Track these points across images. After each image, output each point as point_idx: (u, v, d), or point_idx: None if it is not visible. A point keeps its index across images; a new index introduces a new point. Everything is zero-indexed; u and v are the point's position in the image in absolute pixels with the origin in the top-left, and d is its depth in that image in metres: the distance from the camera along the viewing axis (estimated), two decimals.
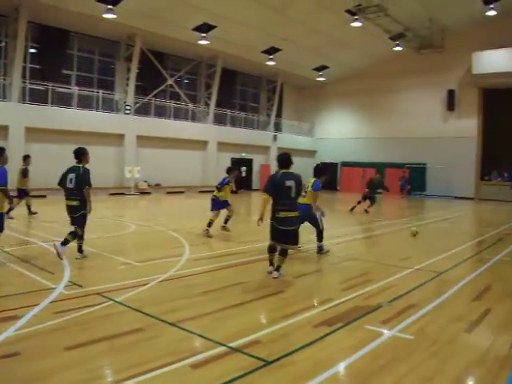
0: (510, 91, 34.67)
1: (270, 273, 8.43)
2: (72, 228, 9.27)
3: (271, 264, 8.60)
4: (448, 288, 7.93)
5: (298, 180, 8.33)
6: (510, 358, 5.06)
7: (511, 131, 35.48)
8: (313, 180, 11.03)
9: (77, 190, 9.11)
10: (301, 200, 9.89)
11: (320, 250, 11.01)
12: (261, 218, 8.38)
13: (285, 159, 8.57)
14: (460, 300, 7.32)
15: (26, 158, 16.05)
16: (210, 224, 13.13)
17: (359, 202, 21.50)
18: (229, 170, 14.04)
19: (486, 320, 6.33)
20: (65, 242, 8.97)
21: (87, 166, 9.36)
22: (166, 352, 4.90)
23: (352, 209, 21.43)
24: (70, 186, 9.15)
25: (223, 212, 13.67)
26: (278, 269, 8.37)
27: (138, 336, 5.35)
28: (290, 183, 8.21)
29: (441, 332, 5.77)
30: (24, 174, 15.65)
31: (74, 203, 9.14)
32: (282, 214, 8.22)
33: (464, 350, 5.30)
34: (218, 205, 13.50)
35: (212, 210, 13.47)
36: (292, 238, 8.42)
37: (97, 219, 15.98)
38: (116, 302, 6.57)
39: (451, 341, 5.51)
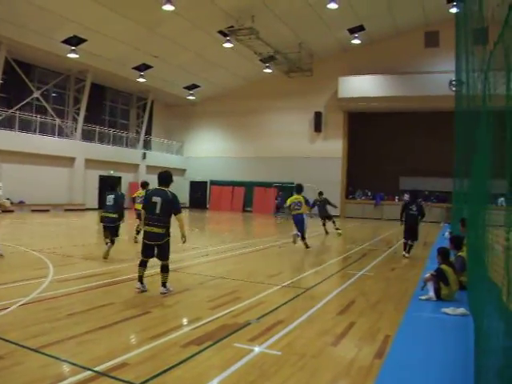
0: (373, 114, 36.94)
1: (140, 290, 8.57)
2: None
3: (140, 280, 8.66)
4: (315, 303, 8.15)
5: (165, 197, 8.47)
6: (373, 367, 5.28)
7: (374, 152, 37.65)
8: (301, 197, 15.83)
9: None
10: (295, 212, 15.65)
11: (303, 240, 15.66)
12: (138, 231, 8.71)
13: (161, 176, 8.82)
14: (326, 314, 7.53)
15: None
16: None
17: (324, 225, 21.74)
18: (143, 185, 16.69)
19: (351, 333, 6.57)
20: None
21: None
22: (29, 380, 4.62)
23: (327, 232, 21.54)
24: None
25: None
26: (163, 285, 8.58)
27: None
28: (156, 199, 8.48)
29: (308, 346, 5.90)
30: None
31: None
32: (147, 229, 8.54)
33: (330, 362, 5.45)
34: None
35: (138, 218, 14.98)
36: (162, 254, 8.59)
37: None
38: None
39: (318, 355, 5.64)
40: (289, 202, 16.01)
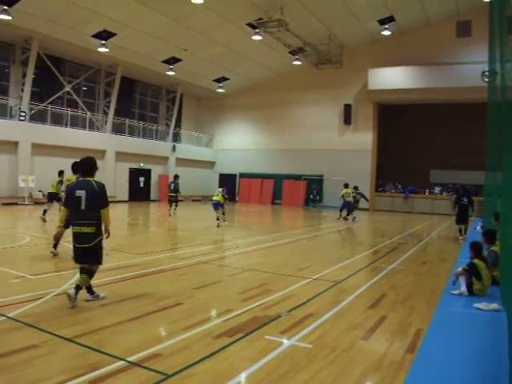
0: (403, 106, 36.52)
1: (70, 298, 6.90)
2: None
3: (88, 290, 7.31)
4: (345, 297, 8.13)
5: (91, 190, 7.17)
6: (405, 362, 5.23)
7: (404, 145, 37.29)
8: (350, 190, 24.99)
9: None
10: (347, 198, 24.61)
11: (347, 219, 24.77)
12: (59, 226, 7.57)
13: (83, 165, 7.56)
14: (357, 308, 7.49)
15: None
16: (218, 218, 20.09)
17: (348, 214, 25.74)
18: (222, 185, 25.01)
19: (382, 327, 6.53)
20: None
21: None
22: (63, 369, 4.69)
23: (344, 218, 25.35)
24: None
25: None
26: (80, 289, 7.09)
27: (32, 353, 5.08)
28: (79, 193, 7.12)
29: (339, 340, 5.88)
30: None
31: None
32: (75, 229, 7.20)
33: (361, 356, 5.42)
34: (219, 206, 20.04)
35: (216, 209, 20.07)
36: (90, 258, 7.26)
37: None
38: (8, 317, 6.23)
39: (349, 348, 5.62)
40: (342, 192, 24.92)
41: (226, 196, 20.56)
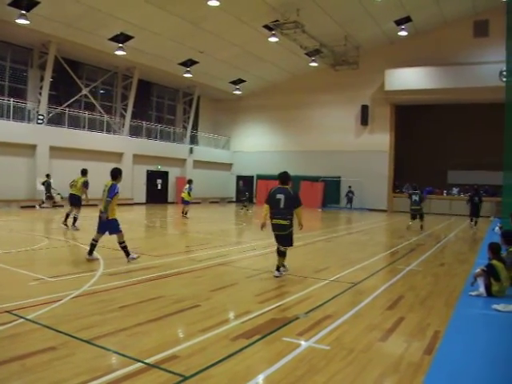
0: (420, 107, 36.33)
1: (279, 276, 9.81)
2: None
3: (278, 268, 9.95)
4: (363, 298, 8.11)
5: (288, 194, 9.87)
6: (423, 363, 5.21)
7: (422, 146, 37.09)
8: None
9: None
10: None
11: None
12: (263, 224, 9.99)
13: (281, 176, 10.34)
14: (374, 310, 7.47)
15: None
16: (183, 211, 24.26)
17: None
18: (189, 181, 24.80)
19: (400, 328, 6.50)
20: None
21: None
22: (81, 370, 4.72)
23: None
24: None
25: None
26: (277, 268, 9.93)
27: (50, 355, 5.12)
28: (279, 196, 9.85)
29: (356, 341, 5.87)
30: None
31: None
32: (274, 221, 9.89)
33: (379, 358, 5.40)
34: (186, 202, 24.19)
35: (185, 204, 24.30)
36: (286, 242, 9.96)
37: (7, 233, 15.48)
38: (27, 319, 6.27)
39: (367, 350, 5.61)
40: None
41: (190, 193, 23.97)
